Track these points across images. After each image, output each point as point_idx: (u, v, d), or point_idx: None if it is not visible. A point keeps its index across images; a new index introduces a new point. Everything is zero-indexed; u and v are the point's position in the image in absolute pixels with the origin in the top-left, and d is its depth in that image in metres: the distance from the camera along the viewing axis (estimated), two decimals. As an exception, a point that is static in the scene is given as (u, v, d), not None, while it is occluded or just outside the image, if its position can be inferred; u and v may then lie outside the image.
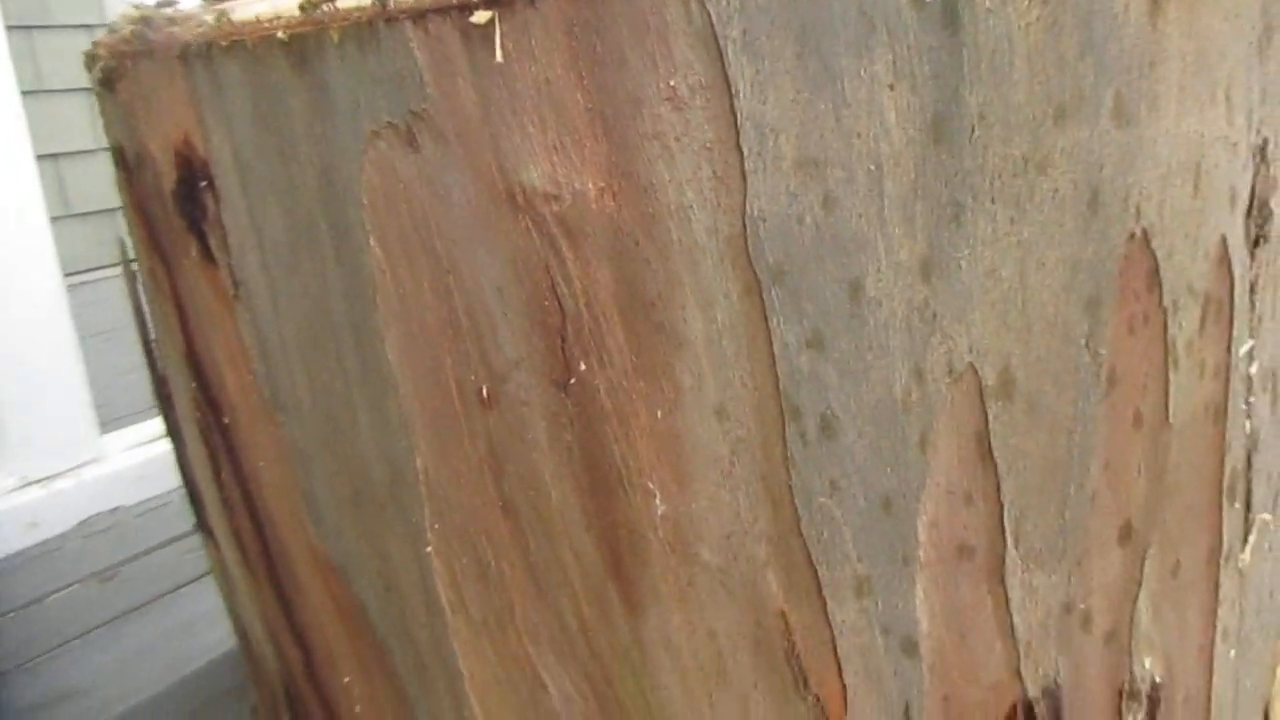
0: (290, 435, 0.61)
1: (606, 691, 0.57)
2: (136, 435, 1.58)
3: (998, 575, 0.54)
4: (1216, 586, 0.61)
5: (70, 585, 1.52)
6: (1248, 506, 0.60)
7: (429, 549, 0.56)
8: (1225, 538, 0.60)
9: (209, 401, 0.65)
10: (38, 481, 1.46)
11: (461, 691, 0.61)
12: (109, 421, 1.63)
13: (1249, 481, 0.59)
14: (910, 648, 0.55)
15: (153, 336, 0.74)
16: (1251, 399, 0.57)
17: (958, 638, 0.55)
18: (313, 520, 0.62)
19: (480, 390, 0.51)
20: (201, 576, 1.60)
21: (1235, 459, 0.58)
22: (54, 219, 1.56)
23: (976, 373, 0.49)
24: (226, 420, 0.65)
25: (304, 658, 0.71)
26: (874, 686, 0.55)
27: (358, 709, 0.69)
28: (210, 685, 1.41)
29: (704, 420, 0.49)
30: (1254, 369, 0.56)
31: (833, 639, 0.54)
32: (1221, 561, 0.60)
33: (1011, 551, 0.53)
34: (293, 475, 0.62)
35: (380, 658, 0.64)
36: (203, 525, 0.76)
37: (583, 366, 0.49)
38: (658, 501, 0.51)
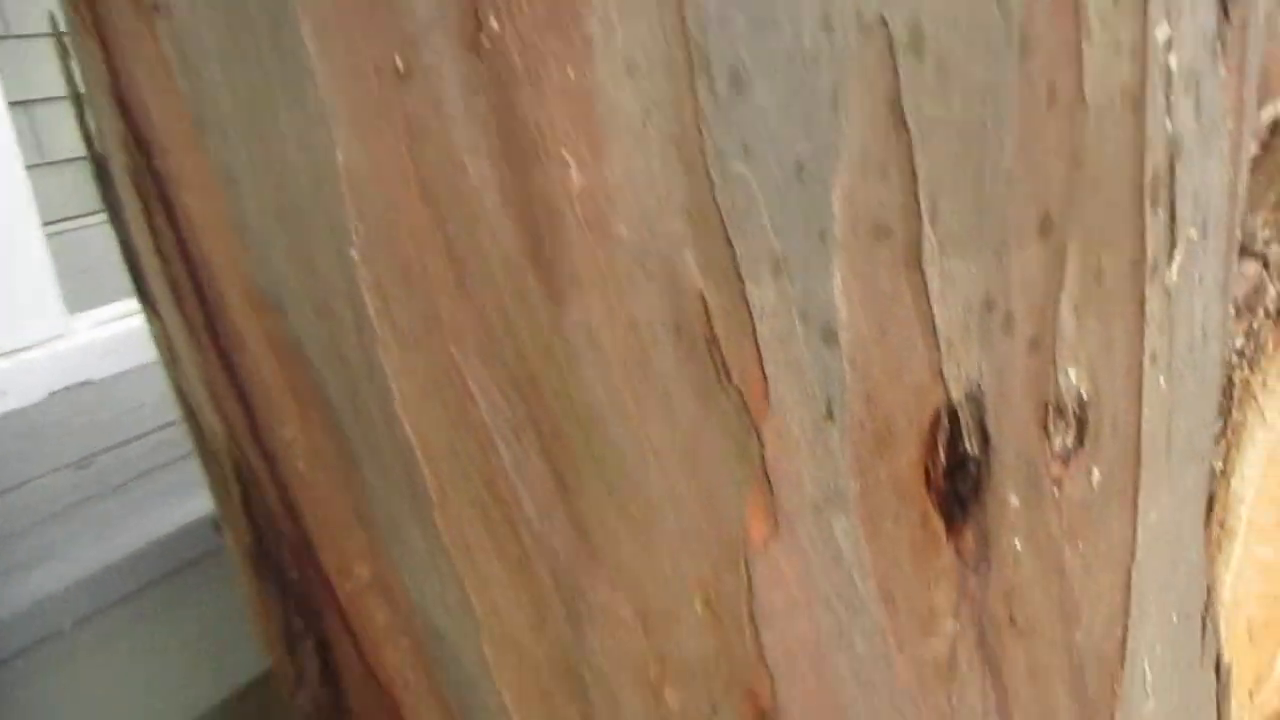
0: (217, 159, 0.61)
1: (531, 393, 0.57)
2: (104, 314, 1.59)
3: (915, 261, 0.54)
4: (1142, 301, 0.61)
5: (46, 474, 1.53)
6: (1172, 217, 0.60)
7: (353, 251, 0.57)
8: (1149, 247, 0.60)
9: (138, 142, 0.65)
10: (6, 354, 1.46)
11: (393, 414, 0.61)
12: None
13: (1173, 189, 0.60)
14: (830, 337, 0.55)
15: (88, 114, 0.74)
16: (1172, 96, 0.57)
17: (878, 329, 0.56)
18: (243, 248, 0.62)
19: (394, 62, 0.51)
20: (176, 460, 1.61)
21: (1156, 159, 0.58)
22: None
23: (886, 25, 0.49)
24: (156, 162, 0.65)
25: (248, 418, 0.71)
26: (795, 380, 0.56)
27: (300, 464, 0.70)
28: (185, 548, 1.42)
29: (615, 77, 0.49)
30: (1174, 62, 0.56)
31: (752, 325, 0.54)
32: (1147, 274, 0.61)
33: (928, 232, 0.54)
34: (222, 203, 0.62)
35: (316, 396, 0.65)
36: (144, 297, 0.76)
37: (494, 23, 0.49)
38: (574, 173, 0.51)
